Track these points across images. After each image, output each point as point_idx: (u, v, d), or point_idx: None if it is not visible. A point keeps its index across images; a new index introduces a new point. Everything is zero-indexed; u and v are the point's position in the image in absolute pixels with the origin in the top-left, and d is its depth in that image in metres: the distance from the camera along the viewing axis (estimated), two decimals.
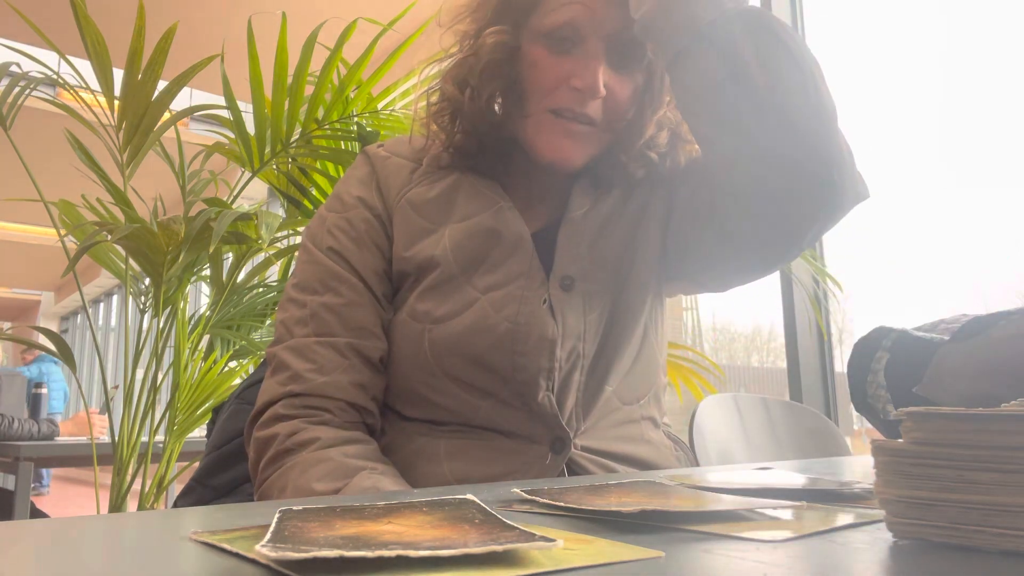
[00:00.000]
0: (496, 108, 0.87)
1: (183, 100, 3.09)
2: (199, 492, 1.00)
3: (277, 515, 0.38)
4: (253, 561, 0.32)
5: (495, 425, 0.79)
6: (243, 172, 2.15)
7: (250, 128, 2.04)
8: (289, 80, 1.96)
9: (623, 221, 0.87)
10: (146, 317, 2.19)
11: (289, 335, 0.81)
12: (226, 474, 0.99)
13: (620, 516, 0.41)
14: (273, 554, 0.29)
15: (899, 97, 2.90)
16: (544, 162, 0.83)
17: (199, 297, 5.13)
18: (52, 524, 0.43)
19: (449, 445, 0.78)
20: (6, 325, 15.58)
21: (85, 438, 2.78)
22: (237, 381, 2.17)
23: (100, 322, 12.13)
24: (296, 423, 0.76)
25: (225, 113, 2.06)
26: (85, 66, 2.02)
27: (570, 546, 0.34)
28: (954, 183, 2.67)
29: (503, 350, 0.78)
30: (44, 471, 7.81)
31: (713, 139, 0.77)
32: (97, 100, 2.02)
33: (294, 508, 0.40)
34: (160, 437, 2.18)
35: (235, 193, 2.25)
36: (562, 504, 0.44)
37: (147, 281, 2.21)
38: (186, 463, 2.34)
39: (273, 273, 2.42)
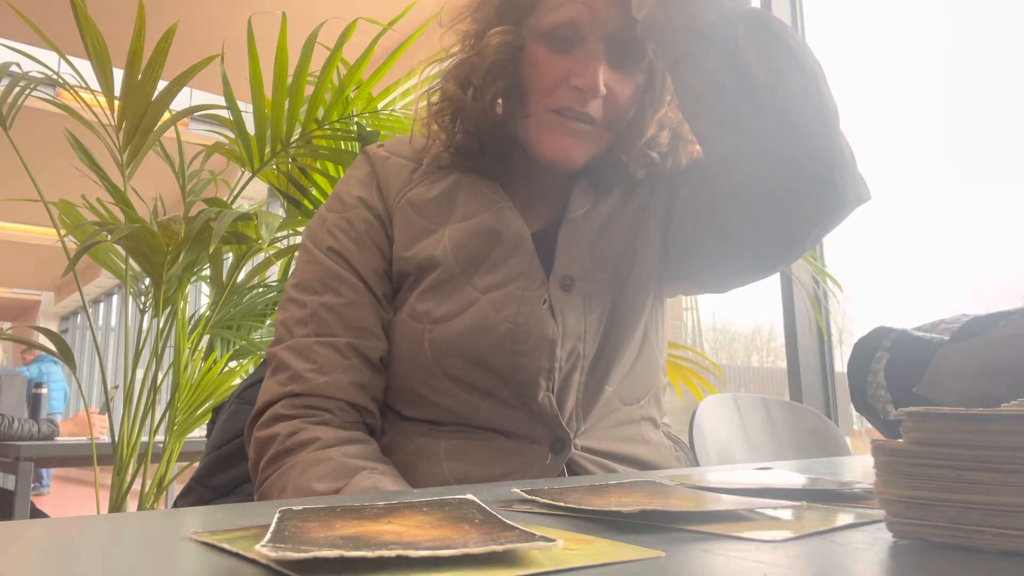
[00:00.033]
0: (498, 108, 0.87)
1: (183, 100, 3.09)
2: (199, 492, 1.00)
3: (277, 515, 0.38)
4: (253, 561, 0.32)
5: (495, 425, 0.79)
6: (243, 172, 2.15)
7: (250, 128, 2.04)
8: (289, 80, 1.96)
9: (623, 221, 0.87)
10: (146, 317, 2.19)
11: (289, 335, 0.81)
12: (226, 474, 0.99)
13: (620, 516, 0.41)
14: (273, 554, 0.29)
15: (899, 97, 2.90)
16: (545, 161, 0.83)
17: (199, 297, 5.13)
18: (52, 524, 0.43)
19: (449, 445, 0.78)
20: (6, 325, 15.58)
21: (85, 438, 2.78)
22: (237, 381, 2.17)
23: (100, 322, 12.13)
24: (296, 423, 0.76)
25: (225, 113, 2.06)
26: (85, 66, 2.02)
27: (570, 546, 0.34)
28: (954, 183, 2.67)
29: (503, 350, 0.78)
30: (44, 471, 7.81)
31: (714, 139, 0.77)
32: (97, 100, 2.02)
33: (294, 508, 0.40)
34: (160, 437, 2.18)
35: (235, 193, 2.25)
36: (562, 504, 0.44)
37: (147, 281, 2.21)
38: (186, 463, 2.34)
39: (273, 273, 2.42)
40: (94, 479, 2.14)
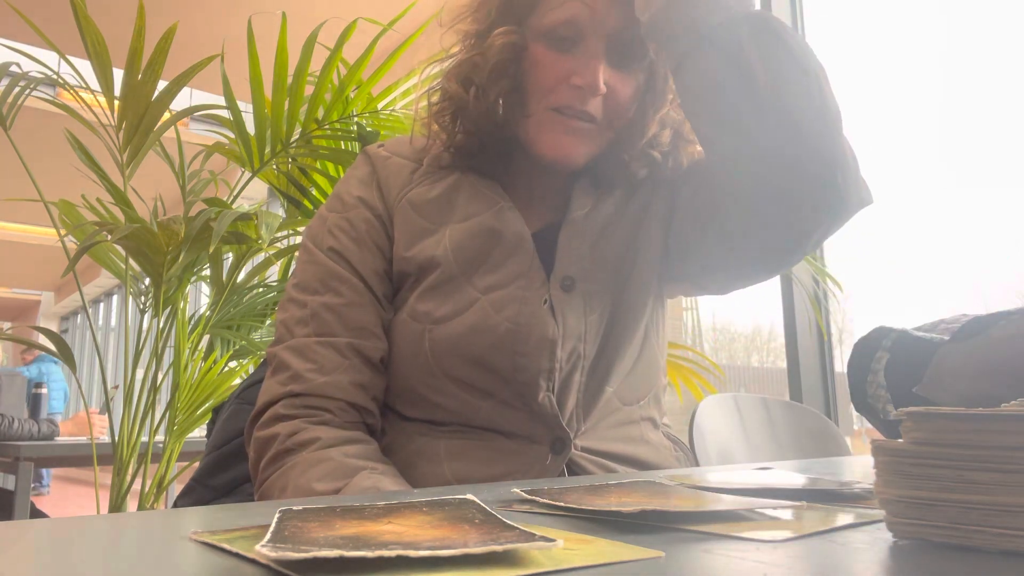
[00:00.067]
0: (499, 108, 0.87)
1: (183, 100, 3.09)
2: (199, 492, 1.00)
3: (277, 515, 0.38)
4: (253, 561, 0.32)
5: (495, 425, 0.79)
6: (243, 172, 2.15)
7: (250, 128, 2.04)
8: (289, 80, 1.96)
9: (624, 221, 0.87)
10: (146, 317, 2.19)
11: (289, 335, 0.81)
12: (226, 474, 0.99)
13: (620, 516, 0.41)
14: (273, 554, 0.29)
15: (899, 97, 2.90)
16: (546, 160, 0.83)
17: (199, 297, 5.13)
18: (52, 524, 0.43)
19: (449, 445, 0.78)
20: (6, 325, 15.58)
21: (85, 438, 2.78)
22: (237, 381, 2.17)
23: (100, 322, 12.13)
24: (296, 423, 0.76)
25: (225, 113, 2.06)
26: (85, 66, 2.02)
27: (570, 546, 0.34)
28: (954, 183, 2.67)
29: (503, 350, 0.78)
30: (44, 471, 7.81)
31: (716, 140, 0.77)
32: (97, 100, 2.02)
33: (294, 508, 0.40)
34: (160, 437, 2.18)
35: (235, 193, 2.25)
36: (562, 504, 0.44)
37: (147, 281, 2.21)
38: (186, 463, 2.34)
39: (273, 273, 2.42)
40: (94, 479, 2.14)
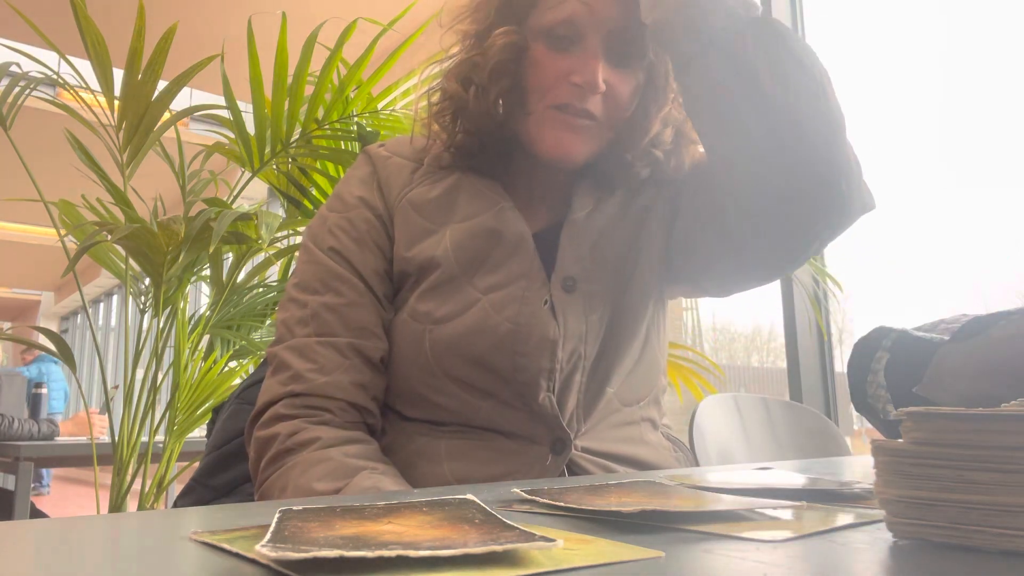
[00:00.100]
0: (499, 107, 0.87)
1: (183, 100, 3.09)
2: (199, 492, 1.00)
3: (277, 515, 0.38)
4: (253, 561, 0.32)
5: (496, 426, 0.79)
6: (243, 172, 2.15)
7: (250, 128, 2.04)
8: (289, 80, 1.96)
9: (626, 222, 0.87)
10: (146, 317, 2.19)
11: (290, 335, 0.81)
12: (226, 474, 0.99)
13: (620, 516, 0.41)
14: (273, 554, 0.29)
15: (899, 97, 2.90)
16: (546, 158, 0.83)
17: (199, 297, 5.13)
18: (52, 524, 0.43)
19: (450, 445, 0.78)
20: (6, 325, 15.58)
21: (85, 438, 2.78)
22: (237, 381, 2.17)
23: (100, 322, 12.13)
24: (297, 423, 0.76)
25: (225, 113, 2.06)
26: (85, 66, 2.02)
27: (570, 546, 0.34)
28: (954, 183, 2.67)
29: (504, 351, 0.78)
30: (44, 471, 7.81)
31: (719, 143, 0.77)
32: (97, 100, 2.02)
33: (294, 508, 0.40)
34: (160, 437, 2.18)
35: (235, 193, 2.25)
36: (562, 504, 0.44)
37: (147, 281, 2.21)
38: (186, 463, 2.34)
39: (273, 273, 2.42)
40: (94, 479, 2.14)
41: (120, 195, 2.01)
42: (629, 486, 0.52)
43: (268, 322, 2.32)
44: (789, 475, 0.62)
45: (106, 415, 2.23)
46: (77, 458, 2.80)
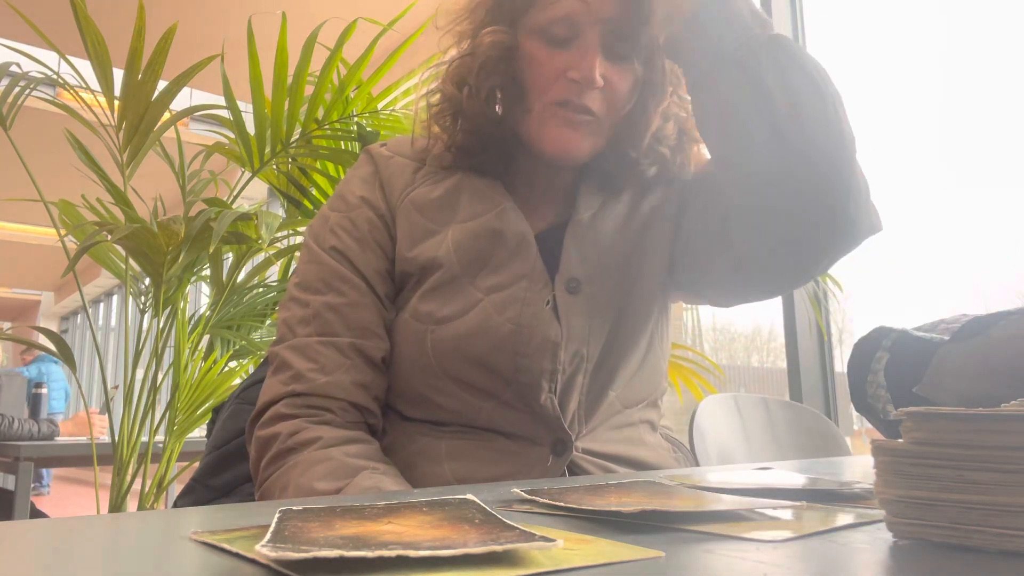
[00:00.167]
0: (496, 107, 0.87)
1: (183, 100, 3.09)
2: (199, 492, 1.00)
3: (277, 515, 0.38)
4: (253, 561, 0.32)
5: (497, 426, 0.79)
6: (243, 172, 2.15)
7: (250, 128, 2.04)
8: (289, 80, 1.96)
9: (633, 224, 0.87)
10: (146, 317, 2.19)
11: (291, 334, 0.81)
12: (226, 474, 0.99)
13: (620, 516, 0.41)
14: (273, 554, 0.29)
15: (899, 97, 2.90)
16: (548, 155, 0.83)
17: (199, 297, 5.13)
18: (52, 524, 0.43)
19: (450, 446, 0.78)
20: (6, 325, 15.58)
21: (85, 438, 2.78)
22: (237, 381, 2.17)
23: (100, 322, 12.13)
24: (298, 422, 0.76)
25: (225, 113, 2.06)
26: (85, 66, 2.02)
27: (570, 546, 0.34)
28: (954, 183, 2.67)
29: (505, 352, 0.78)
30: (44, 471, 7.81)
31: (730, 160, 0.77)
32: (97, 100, 2.02)
33: (294, 508, 0.40)
34: (160, 437, 2.18)
35: (235, 193, 2.25)
36: (562, 504, 0.44)
37: (147, 281, 2.21)
38: (186, 463, 2.34)
39: (273, 273, 2.42)
40: (94, 479, 2.14)
41: (120, 195, 2.01)
42: (629, 486, 0.52)
43: (268, 322, 2.32)
44: (789, 475, 0.62)
45: (106, 415, 2.23)
46: (77, 458, 2.80)
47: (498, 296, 0.80)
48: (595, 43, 0.81)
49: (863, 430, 2.57)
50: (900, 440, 0.36)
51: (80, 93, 2.06)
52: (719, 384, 2.35)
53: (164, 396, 2.23)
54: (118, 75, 1.97)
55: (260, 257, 2.28)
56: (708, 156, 0.83)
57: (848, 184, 0.72)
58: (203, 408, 2.18)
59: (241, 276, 2.27)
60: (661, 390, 0.90)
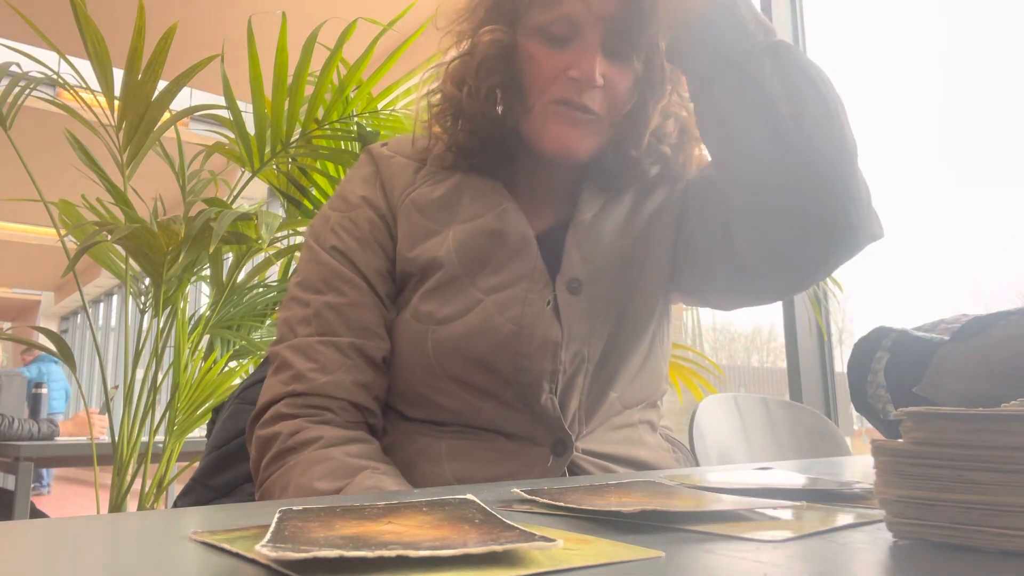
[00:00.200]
0: (497, 106, 0.87)
1: (183, 100, 3.09)
2: (199, 492, 1.00)
3: (277, 515, 0.38)
4: (253, 561, 0.32)
5: (497, 426, 0.79)
6: (243, 172, 2.15)
7: (250, 128, 2.04)
8: (289, 80, 1.96)
9: (635, 225, 0.87)
10: (146, 317, 2.19)
11: (292, 334, 0.81)
12: (226, 474, 0.99)
13: (620, 516, 0.41)
14: (273, 554, 0.29)
15: (899, 97, 2.90)
16: (549, 154, 0.83)
17: (199, 297, 5.13)
18: (52, 524, 0.43)
19: (451, 446, 0.78)
20: (6, 325, 15.58)
21: (85, 438, 2.78)
22: (237, 381, 2.17)
23: (100, 322, 12.13)
24: (298, 422, 0.76)
25: (225, 113, 2.06)
26: (85, 66, 2.02)
27: (570, 546, 0.34)
28: (954, 183, 2.67)
29: (506, 352, 0.78)
30: (44, 471, 7.81)
31: (732, 165, 0.77)
32: (97, 100, 2.02)
33: (294, 508, 0.40)
34: (160, 437, 2.18)
35: (235, 193, 2.25)
36: (562, 504, 0.44)
37: (147, 281, 2.21)
38: (186, 463, 2.34)
39: (273, 273, 2.42)
40: (94, 479, 2.14)
41: (120, 195, 2.01)
42: (629, 486, 0.52)
43: (268, 322, 2.32)
44: (789, 475, 0.62)
45: (106, 415, 2.23)
46: (77, 458, 2.80)
47: (499, 296, 0.80)
48: (595, 42, 0.81)
49: (863, 430, 2.57)
50: (900, 440, 0.36)
51: (80, 93, 2.06)
52: (719, 384, 2.35)
53: (164, 396, 2.23)
54: (118, 75, 1.97)
55: (260, 257, 2.28)
56: (710, 158, 0.83)
57: (849, 190, 0.72)
58: (203, 408, 2.18)
59: (241, 276, 2.27)
60: (661, 391, 0.90)
